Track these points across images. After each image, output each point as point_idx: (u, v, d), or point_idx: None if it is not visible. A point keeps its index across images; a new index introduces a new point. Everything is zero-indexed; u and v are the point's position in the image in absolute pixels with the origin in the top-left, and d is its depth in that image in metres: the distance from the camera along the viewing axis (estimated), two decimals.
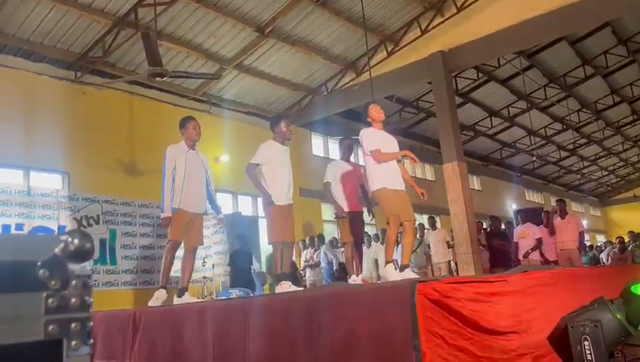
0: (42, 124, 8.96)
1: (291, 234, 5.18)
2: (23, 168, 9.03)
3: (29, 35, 8.89)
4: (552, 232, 9.01)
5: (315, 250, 11.37)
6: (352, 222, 5.84)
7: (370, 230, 11.24)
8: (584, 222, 14.62)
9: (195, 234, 5.18)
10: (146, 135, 10.32)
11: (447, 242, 10.65)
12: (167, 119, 11.09)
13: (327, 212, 13.66)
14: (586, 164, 25.48)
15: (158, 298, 4.85)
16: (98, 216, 9.22)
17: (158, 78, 7.89)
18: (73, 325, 0.67)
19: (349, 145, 6.34)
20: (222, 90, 12.08)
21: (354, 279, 5.63)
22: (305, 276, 11.27)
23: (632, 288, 3.03)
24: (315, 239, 11.60)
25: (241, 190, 12.48)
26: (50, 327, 0.65)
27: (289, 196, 5.13)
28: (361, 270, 6.13)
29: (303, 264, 11.64)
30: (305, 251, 11.77)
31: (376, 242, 11.29)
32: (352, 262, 5.87)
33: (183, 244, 5.22)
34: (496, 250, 9.72)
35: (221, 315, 2.99)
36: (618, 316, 2.20)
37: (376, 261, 10.91)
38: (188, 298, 5.01)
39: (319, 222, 14.23)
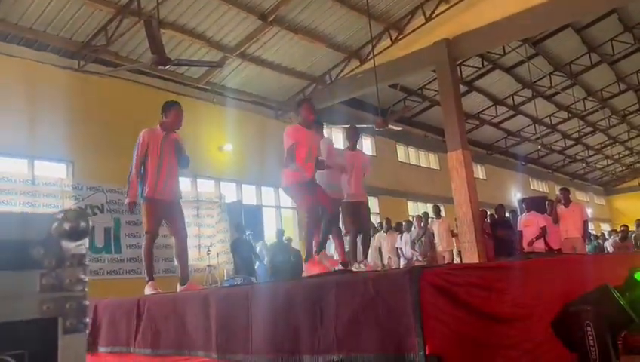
0: (46, 113, 8.96)
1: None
2: (27, 157, 9.05)
3: (31, 23, 8.87)
4: (555, 221, 8.98)
5: None
6: (358, 212, 5.81)
7: (374, 219, 11.23)
8: (589, 211, 14.59)
9: (180, 222, 4.95)
10: (150, 124, 10.29)
11: (452, 231, 10.64)
12: None
13: None
14: (591, 152, 25.37)
15: (151, 291, 4.73)
16: (102, 205, 9.26)
17: (161, 67, 7.85)
18: (68, 304, 0.66)
19: (355, 134, 6.30)
20: (225, 79, 12.05)
21: (356, 266, 5.63)
22: None
23: (636, 275, 3.02)
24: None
25: (244, 179, 12.50)
26: (46, 306, 0.65)
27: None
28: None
29: None
30: None
31: (380, 231, 11.31)
32: (355, 250, 5.87)
33: (172, 235, 5.00)
34: (500, 238, 9.71)
35: (225, 302, 2.99)
36: (621, 302, 2.19)
37: (379, 249, 10.92)
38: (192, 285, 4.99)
39: None
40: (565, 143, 23.13)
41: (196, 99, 11.74)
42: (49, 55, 9.49)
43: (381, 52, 11.96)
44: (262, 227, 11.72)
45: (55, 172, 9.35)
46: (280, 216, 13.57)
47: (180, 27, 10.05)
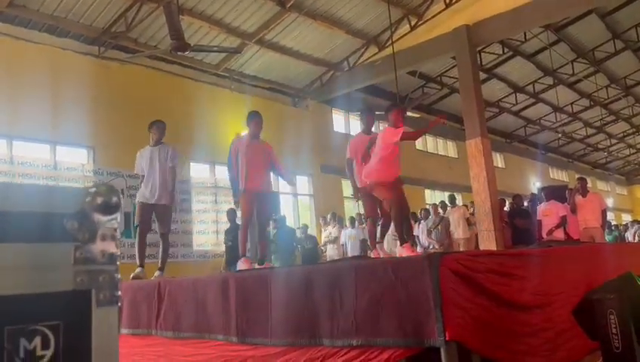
0: (68, 99, 9.07)
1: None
2: (49, 143, 9.19)
3: (52, 10, 8.95)
4: (573, 210, 8.86)
5: (335, 227, 11.42)
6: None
7: None
8: (609, 201, 14.37)
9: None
10: (169, 110, 10.36)
11: (467, 219, 10.57)
12: (189, 94, 11.17)
13: (348, 188, 13.66)
14: (613, 141, 24.90)
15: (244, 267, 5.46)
16: (122, 190, 9.36)
17: (180, 53, 7.88)
18: (101, 277, 0.67)
19: (370, 118, 6.25)
20: (243, 66, 12.05)
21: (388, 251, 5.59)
22: (325, 252, 11.34)
23: None
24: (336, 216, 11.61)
25: None
26: (80, 278, 0.66)
27: None
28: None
29: (323, 240, 11.69)
30: (326, 227, 11.82)
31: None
32: (374, 237, 5.84)
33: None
34: (518, 228, 9.61)
35: (245, 286, 3.02)
36: None
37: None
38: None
39: (340, 198, 14.23)
40: (587, 132, 22.73)
41: (214, 85, 11.79)
42: (70, 42, 9.58)
43: (400, 38, 11.83)
44: (279, 214, 11.75)
45: (76, 157, 9.48)
46: (297, 204, 13.62)
47: (199, 13, 10.06)
